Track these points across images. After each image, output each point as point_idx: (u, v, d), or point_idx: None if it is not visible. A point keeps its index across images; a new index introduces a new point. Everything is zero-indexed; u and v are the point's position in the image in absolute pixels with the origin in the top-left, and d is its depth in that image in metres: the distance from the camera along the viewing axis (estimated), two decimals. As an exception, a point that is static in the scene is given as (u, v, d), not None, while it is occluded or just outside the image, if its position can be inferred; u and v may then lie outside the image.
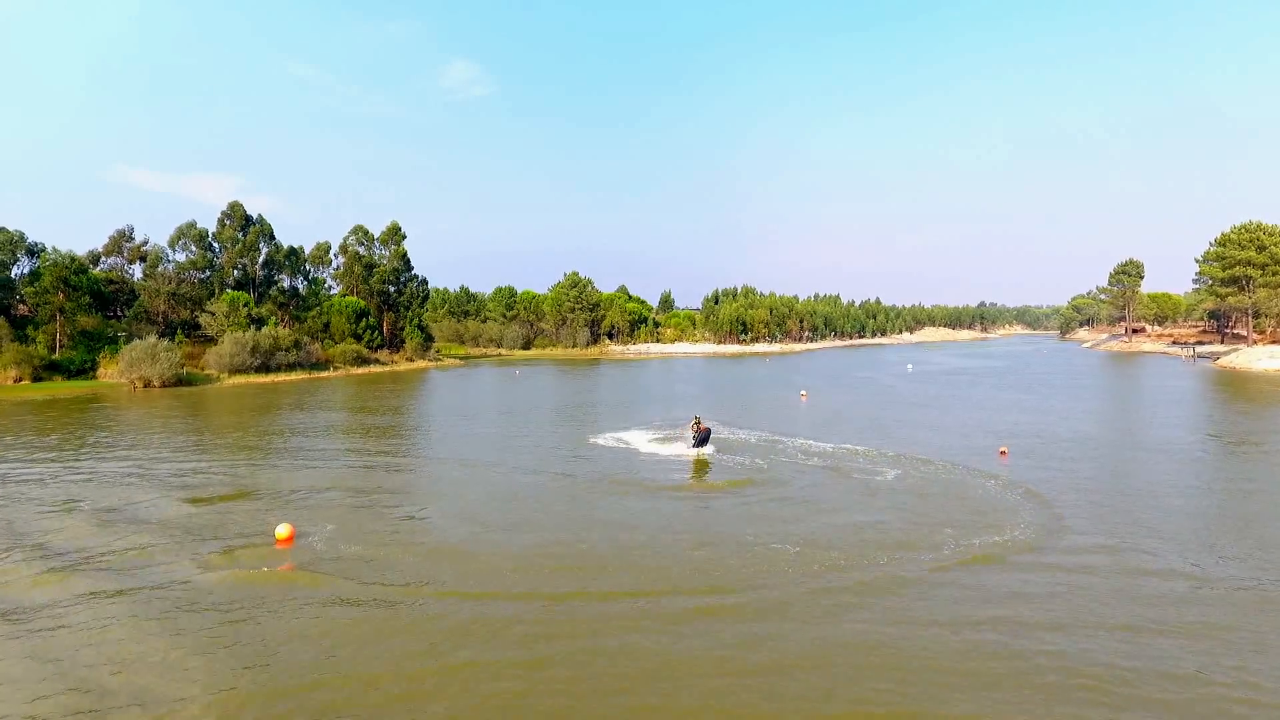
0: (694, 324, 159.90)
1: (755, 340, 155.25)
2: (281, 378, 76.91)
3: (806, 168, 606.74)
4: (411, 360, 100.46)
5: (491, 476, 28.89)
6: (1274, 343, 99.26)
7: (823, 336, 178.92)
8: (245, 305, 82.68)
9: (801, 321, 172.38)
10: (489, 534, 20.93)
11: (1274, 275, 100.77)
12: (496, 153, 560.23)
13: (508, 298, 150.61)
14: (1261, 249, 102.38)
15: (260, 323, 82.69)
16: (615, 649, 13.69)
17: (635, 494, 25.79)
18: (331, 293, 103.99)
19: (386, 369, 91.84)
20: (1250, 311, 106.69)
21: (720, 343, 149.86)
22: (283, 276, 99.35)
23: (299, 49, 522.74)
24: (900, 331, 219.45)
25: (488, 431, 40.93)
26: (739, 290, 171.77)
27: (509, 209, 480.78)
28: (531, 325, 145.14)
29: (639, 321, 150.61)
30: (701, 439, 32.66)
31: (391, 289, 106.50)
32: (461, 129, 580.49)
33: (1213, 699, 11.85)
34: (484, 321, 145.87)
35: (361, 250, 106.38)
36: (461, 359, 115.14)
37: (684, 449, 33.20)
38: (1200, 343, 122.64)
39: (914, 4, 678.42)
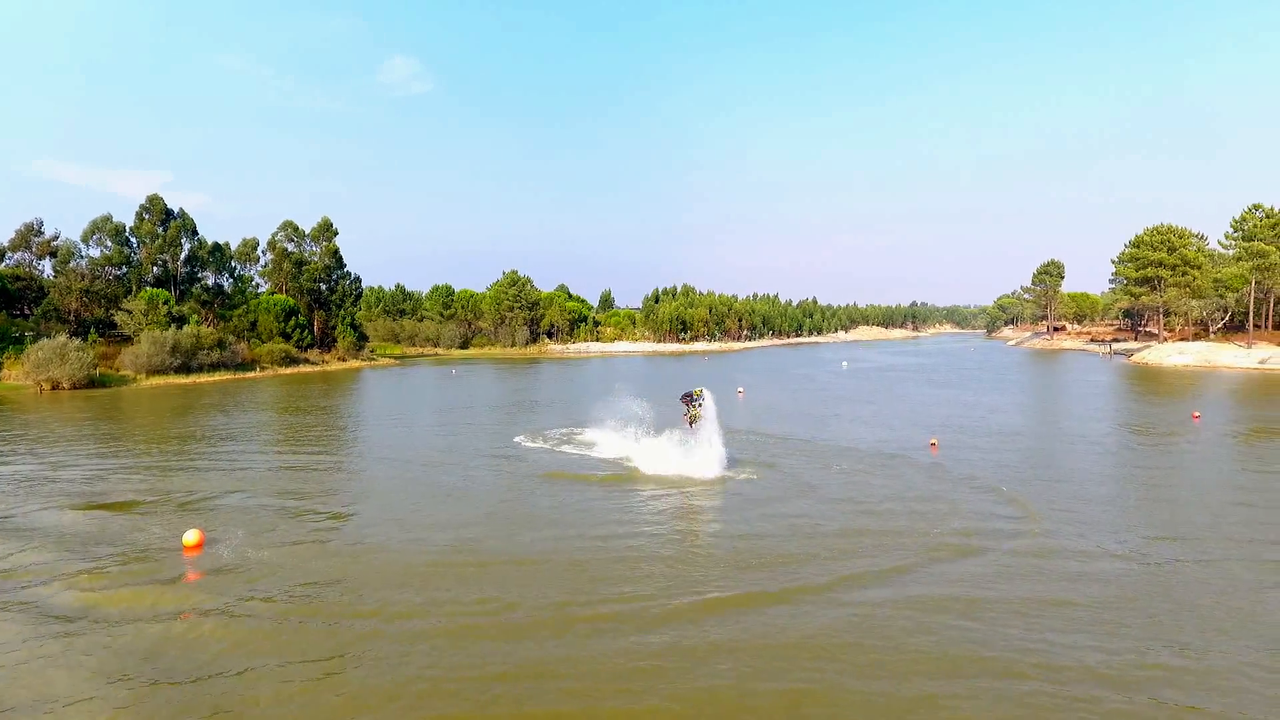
0: (634, 323, 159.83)
1: (695, 339, 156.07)
2: (204, 379, 73.86)
3: (749, 169, 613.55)
4: (344, 360, 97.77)
5: (423, 476, 28.10)
6: (1182, 339, 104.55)
7: (761, 335, 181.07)
8: (165, 303, 79.12)
9: (740, 320, 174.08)
10: (412, 537, 20.22)
11: (1182, 276, 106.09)
12: (437, 150, 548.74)
13: (445, 296, 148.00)
14: (1172, 250, 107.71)
15: (181, 321, 79.25)
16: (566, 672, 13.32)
17: (572, 490, 25.38)
18: (259, 290, 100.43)
19: (317, 369, 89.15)
20: (1161, 310, 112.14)
21: (660, 341, 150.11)
22: (206, 274, 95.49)
23: (230, 40, 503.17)
24: (836, 330, 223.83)
25: (422, 431, 39.91)
26: (678, 289, 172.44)
27: (448, 207, 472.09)
28: (469, 324, 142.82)
29: (579, 320, 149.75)
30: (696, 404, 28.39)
31: (323, 286, 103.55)
32: (401, 126, 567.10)
33: (1146, 665, 12.16)
34: (420, 320, 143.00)
35: (291, 247, 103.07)
36: (397, 358, 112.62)
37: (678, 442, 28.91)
38: (1116, 340, 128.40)
39: (866, 12, 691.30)
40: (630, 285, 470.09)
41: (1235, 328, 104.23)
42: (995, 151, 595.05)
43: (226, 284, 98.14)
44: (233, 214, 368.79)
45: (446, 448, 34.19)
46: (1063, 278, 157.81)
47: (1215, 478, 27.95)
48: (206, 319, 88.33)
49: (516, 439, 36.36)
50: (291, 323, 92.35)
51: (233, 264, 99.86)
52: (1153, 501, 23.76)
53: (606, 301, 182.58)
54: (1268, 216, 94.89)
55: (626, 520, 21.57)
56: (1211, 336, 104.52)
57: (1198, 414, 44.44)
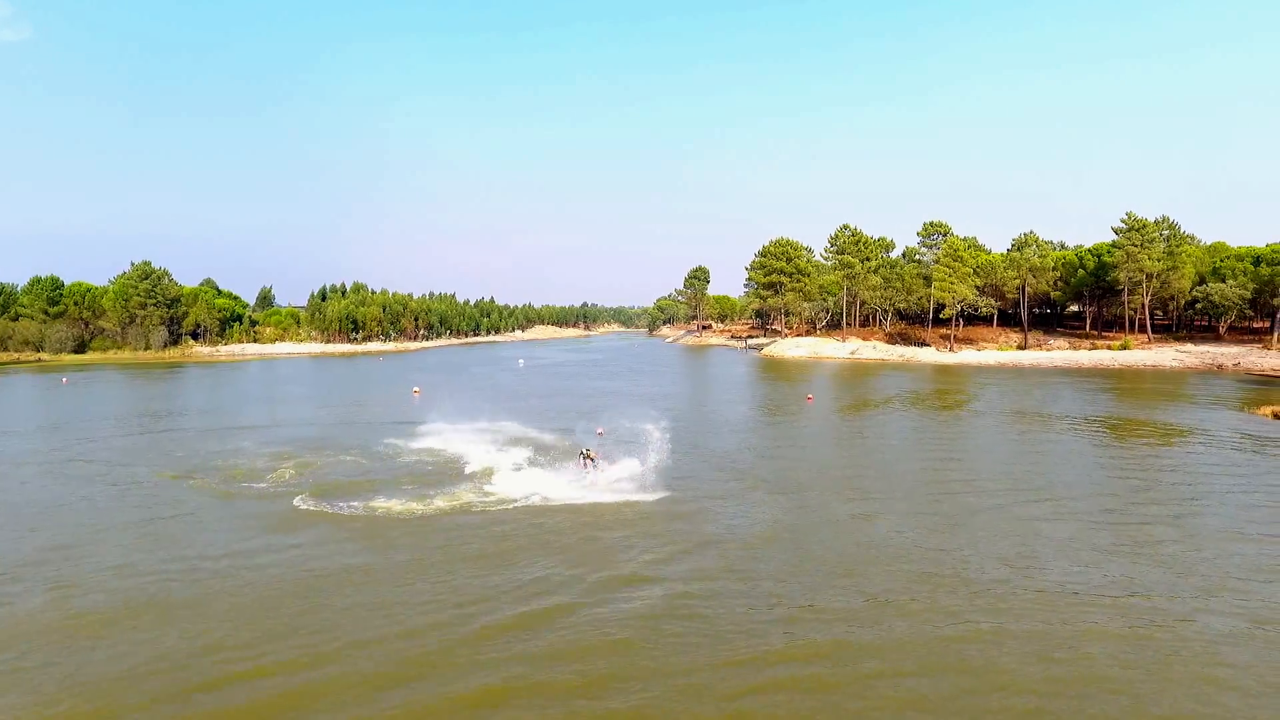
0: (298, 322, 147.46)
1: (368, 339, 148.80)
2: None
3: (421, 169, 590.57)
4: (-102, 369, 76.68)
5: (13, 511, 23.78)
6: (798, 335, 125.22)
7: (439, 335, 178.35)
8: None
9: (417, 320, 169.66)
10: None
11: (798, 282, 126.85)
12: (36, 114, 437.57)
13: (50, 290, 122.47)
14: (790, 260, 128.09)
15: None
16: None
17: (216, 515, 23.40)
18: None
19: None
20: (783, 311, 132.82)
21: (329, 342, 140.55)
22: None
23: None
24: (513, 330, 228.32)
25: (15, 454, 33.27)
26: (349, 287, 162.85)
27: (54, 185, 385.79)
28: (87, 324, 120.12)
29: (232, 320, 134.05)
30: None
31: None
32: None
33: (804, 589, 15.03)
34: (15, 320, 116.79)
35: None
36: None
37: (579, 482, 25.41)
38: (751, 337, 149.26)
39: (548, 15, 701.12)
40: (294, 282, 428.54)
41: (834, 325, 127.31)
42: (652, 160, 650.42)
43: None
44: None
45: (55, 473, 29.15)
46: (709, 282, 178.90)
47: (822, 445, 34.68)
48: None
49: (154, 453, 32.11)
50: None
51: None
52: (779, 466, 28.88)
53: (266, 299, 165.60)
54: (853, 235, 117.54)
55: (288, 554, 20.60)
56: (818, 333, 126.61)
57: (810, 396, 54.23)
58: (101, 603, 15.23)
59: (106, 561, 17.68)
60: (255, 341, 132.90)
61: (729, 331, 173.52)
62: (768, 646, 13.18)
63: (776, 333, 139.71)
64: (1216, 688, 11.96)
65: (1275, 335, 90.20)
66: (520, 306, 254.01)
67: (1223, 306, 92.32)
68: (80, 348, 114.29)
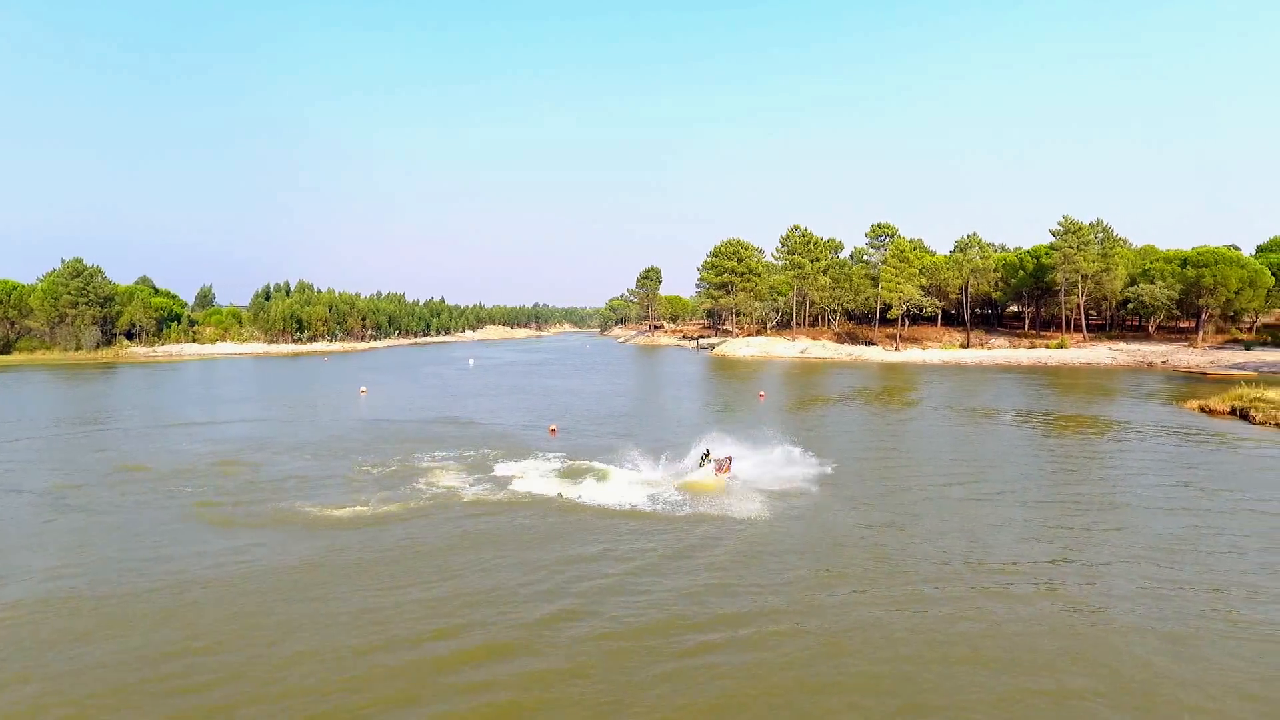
0: (240, 322, 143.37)
1: (313, 339, 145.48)
2: None
3: (368, 167, 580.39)
4: None
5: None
6: (749, 335, 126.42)
7: (388, 335, 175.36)
8: None
9: (364, 319, 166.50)
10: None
11: (748, 282, 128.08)
12: None
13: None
14: (741, 260, 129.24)
15: None
16: None
17: (146, 517, 22.63)
18: None
19: None
20: (734, 310, 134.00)
21: (272, 342, 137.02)
22: None
23: None
24: (464, 330, 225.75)
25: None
26: (293, 286, 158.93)
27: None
28: (13, 324, 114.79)
29: (170, 319, 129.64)
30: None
31: None
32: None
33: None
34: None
35: None
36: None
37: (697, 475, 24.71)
38: (702, 337, 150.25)
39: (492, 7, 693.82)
40: (236, 282, 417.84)
41: (784, 325, 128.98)
42: (602, 160, 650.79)
43: None
44: None
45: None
46: (660, 282, 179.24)
47: (777, 436, 35.01)
48: None
49: (81, 456, 30.88)
50: None
51: None
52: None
53: (206, 298, 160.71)
54: (803, 236, 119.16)
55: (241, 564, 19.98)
56: (769, 332, 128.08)
57: (762, 393, 54.76)
58: (18, 602, 14.54)
59: (26, 564, 16.88)
60: (194, 341, 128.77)
61: (681, 331, 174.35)
62: (720, 629, 13.27)
63: (728, 332, 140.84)
64: (1134, 649, 12.48)
65: (1200, 334, 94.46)
66: (471, 307, 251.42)
67: (1152, 307, 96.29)
68: (5, 348, 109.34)
